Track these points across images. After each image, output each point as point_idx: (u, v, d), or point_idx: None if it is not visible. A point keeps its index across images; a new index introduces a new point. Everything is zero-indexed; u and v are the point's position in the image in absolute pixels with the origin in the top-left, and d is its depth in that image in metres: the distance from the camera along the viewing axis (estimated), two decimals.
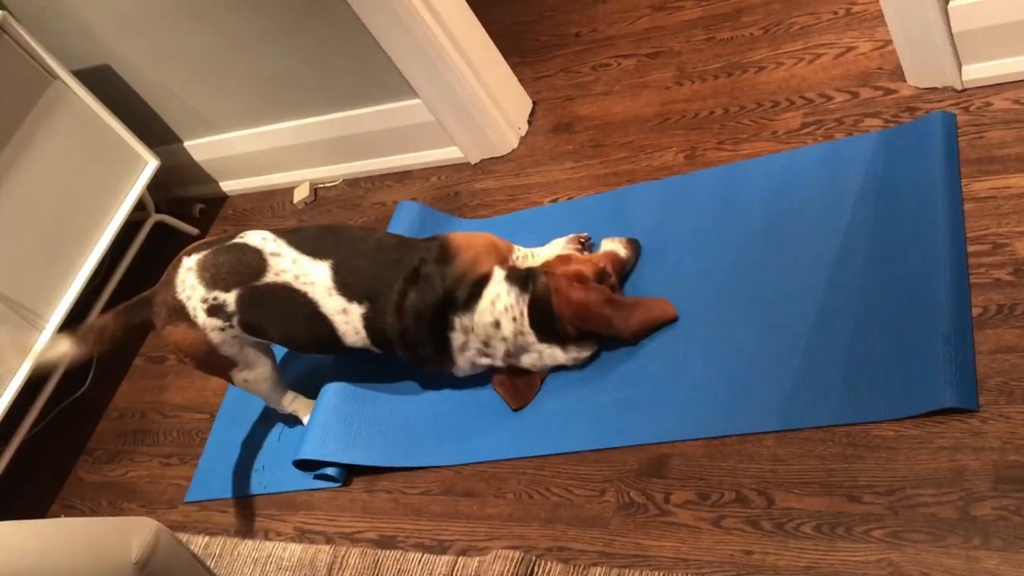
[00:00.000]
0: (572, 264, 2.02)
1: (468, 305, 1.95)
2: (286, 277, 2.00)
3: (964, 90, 2.00)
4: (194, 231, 3.07)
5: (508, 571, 1.80)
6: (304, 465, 2.17)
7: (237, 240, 2.07)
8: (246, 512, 2.27)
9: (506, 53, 2.62)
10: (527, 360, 2.00)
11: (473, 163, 2.66)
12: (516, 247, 2.11)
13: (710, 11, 2.56)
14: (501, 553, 1.84)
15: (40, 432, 2.76)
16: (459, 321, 1.96)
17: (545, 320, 1.94)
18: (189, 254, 2.07)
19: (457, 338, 1.98)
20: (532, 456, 1.97)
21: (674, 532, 1.74)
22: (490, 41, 2.58)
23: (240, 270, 2.02)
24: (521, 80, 2.66)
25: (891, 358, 1.71)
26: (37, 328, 2.54)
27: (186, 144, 3.06)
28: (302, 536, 2.15)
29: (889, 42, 2.13)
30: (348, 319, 2.00)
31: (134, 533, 1.61)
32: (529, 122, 2.64)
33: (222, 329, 2.04)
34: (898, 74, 2.10)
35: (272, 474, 2.28)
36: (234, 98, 2.82)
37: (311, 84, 2.67)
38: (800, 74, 2.26)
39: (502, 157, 2.61)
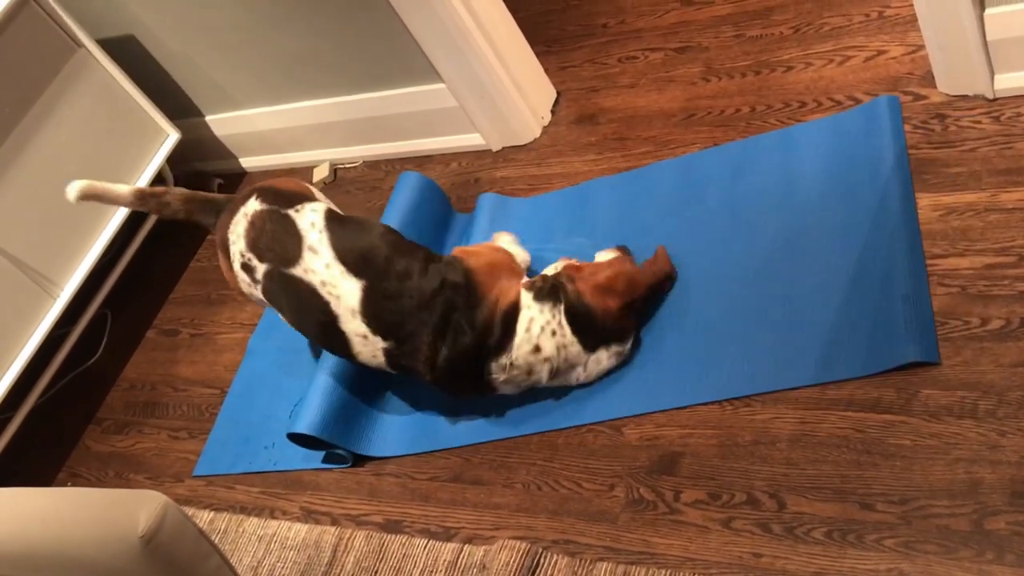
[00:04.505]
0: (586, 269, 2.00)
1: (503, 346, 1.90)
2: (313, 279, 1.96)
3: (995, 99, 1.97)
4: None
5: (514, 561, 1.80)
6: (300, 441, 2.16)
7: (292, 211, 2.02)
8: (253, 489, 2.27)
9: (532, 41, 2.60)
10: (574, 376, 1.97)
11: (495, 151, 2.65)
12: (513, 251, 2.14)
13: (740, 8, 2.54)
14: (508, 543, 1.84)
15: (50, 399, 2.76)
16: (497, 364, 1.91)
17: (584, 323, 1.91)
18: (256, 197, 2.07)
19: (498, 377, 1.94)
20: (529, 434, 1.99)
21: (683, 531, 1.73)
22: (517, 28, 2.56)
23: (276, 248, 2.00)
24: (546, 69, 2.65)
25: (855, 321, 1.80)
26: (52, 296, 2.55)
27: (207, 118, 3.06)
28: (308, 516, 2.15)
29: (921, 47, 2.11)
30: (367, 345, 1.95)
31: (142, 506, 1.60)
32: (553, 112, 2.63)
33: (250, 285, 2.09)
34: (929, 80, 2.08)
35: (281, 451, 2.27)
36: (257, 75, 2.81)
37: (335, 64, 2.66)
38: (829, 75, 2.24)
39: (524, 146, 2.60)
